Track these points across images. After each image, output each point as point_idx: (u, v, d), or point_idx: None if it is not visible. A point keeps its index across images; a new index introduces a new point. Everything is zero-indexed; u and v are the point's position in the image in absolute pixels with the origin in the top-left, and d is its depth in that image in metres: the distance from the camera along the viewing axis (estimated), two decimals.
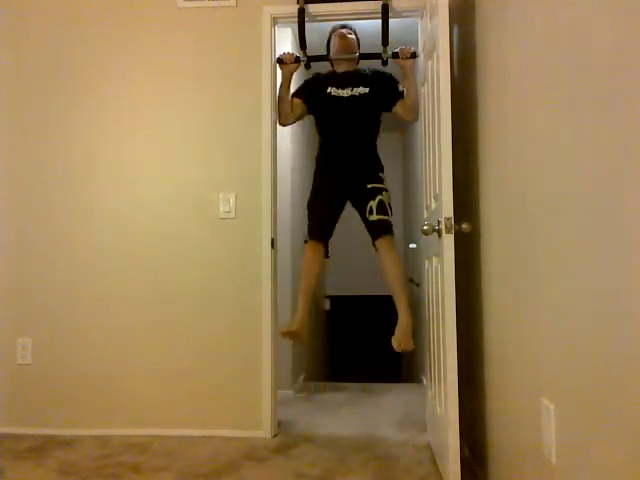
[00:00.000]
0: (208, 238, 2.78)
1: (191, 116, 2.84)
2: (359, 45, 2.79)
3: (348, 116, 2.62)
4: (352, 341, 7.12)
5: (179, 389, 2.74)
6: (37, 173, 2.87)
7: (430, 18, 2.32)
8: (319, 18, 2.82)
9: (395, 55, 2.66)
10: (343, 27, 2.77)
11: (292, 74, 2.75)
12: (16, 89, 2.91)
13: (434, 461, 2.27)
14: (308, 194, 2.74)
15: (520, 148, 1.55)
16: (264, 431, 2.67)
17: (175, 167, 2.82)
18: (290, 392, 3.46)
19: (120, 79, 2.87)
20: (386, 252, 2.51)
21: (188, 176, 2.81)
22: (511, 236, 1.65)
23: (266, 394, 2.69)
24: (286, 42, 3.52)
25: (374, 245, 2.55)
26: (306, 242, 2.63)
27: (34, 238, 2.84)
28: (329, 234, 2.64)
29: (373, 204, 2.51)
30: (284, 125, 2.86)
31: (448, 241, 1.94)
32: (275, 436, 2.68)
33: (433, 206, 2.29)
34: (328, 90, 2.65)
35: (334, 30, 2.79)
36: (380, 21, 2.68)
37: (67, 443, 2.59)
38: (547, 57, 1.32)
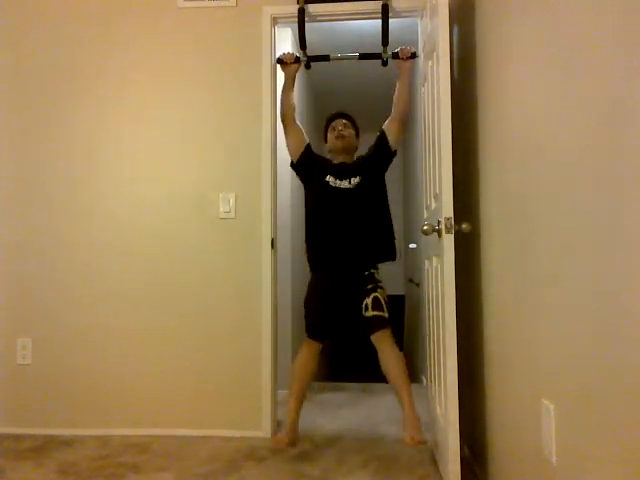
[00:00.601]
0: (208, 238, 2.78)
1: (191, 116, 2.84)
2: (358, 134, 2.73)
3: (345, 209, 2.51)
4: (352, 341, 7.10)
5: (179, 389, 2.74)
6: (37, 173, 2.87)
7: (430, 18, 2.32)
8: (319, 18, 2.82)
9: (395, 55, 2.66)
10: (340, 116, 2.70)
11: (295, 74, 2.74)
12: (16, 89, 2.91)
13: (434, 461, 2.27)
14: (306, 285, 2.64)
15: (520, 148, 1.55)
16: (264, 431, 2.68)
17: (175, 167, 2.82)
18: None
19: (120, 79, 2.87)
20: (384, 348, 2.40)
21: (188, 176, 2.81)
22: (511, 236, 1.65)
23: (266, 394, 2.69)
24: (286, 42, 3.52)
25: (369, 339, 2.44)
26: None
27: (34, 238, 2.84)
28: (329, 333, 2.54)
29: (368, 301, 2.44)
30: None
31: (448, 241, 1.94)
32: (275, 436, 2.68)
33: (433, 206, 2.29)
34: (327, 178, 2.55)
35: (330, 121, 2.72)
36: (380, 21, 2.68)
37: (67, 443, 2.59)
38: (547, 56, 1.32)
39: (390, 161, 2.66)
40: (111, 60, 2.88)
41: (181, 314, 2.77)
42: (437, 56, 2.05)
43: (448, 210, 1.94)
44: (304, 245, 2.67)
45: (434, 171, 2.20)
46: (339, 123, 2.69)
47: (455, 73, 2.35)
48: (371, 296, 2.45)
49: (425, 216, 2.59)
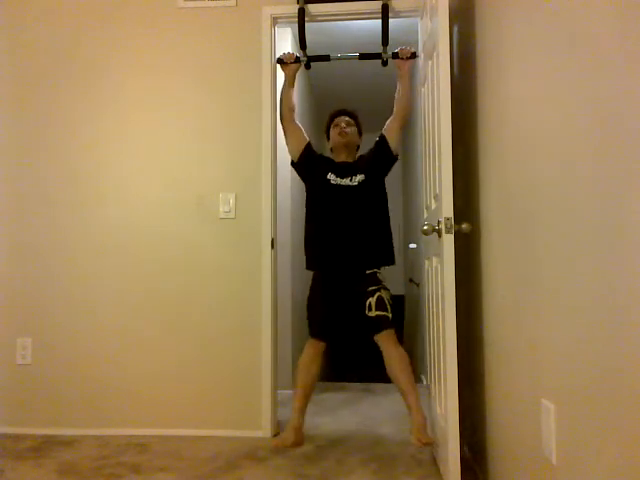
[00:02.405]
0: (208, 238, 2.78)
1: (191, 116, 2.84)
2: (361, 132, 2.72)
3: (347, 207, 2.51)
4: (353, 341, 7.10)
5: (179, 389, 2.74)
6: (37, 173, 2.87)
7: (430, 18, 2.32)
8: (319, 18, 2.82)
9: (395, 55, 2.66)
10: (343, 113, 2.69)
11: (295, 74, 2.74)
12: (15, 89, 2.91)
13: (434, 461, 2.27)
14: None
15: (520, 147, 1.54)
16: (264, 431, 2.68)
17: (175, 167, 2.82)
18: (290, 392, 3.45)
19: (120, 79, 2.87)
20: (389, 348, 2.39)
21: (188, 176, 2.81)
22: (511, 236, 1.65)
23: (266, 394, 2.69)
24: (286, 42, 3.53)
25: (373, 340, 2.43)
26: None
27: (34, 238, 2.84)
28: (332, 333, 2.52)
29: (372, 301, 2.42)
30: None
31: (448, 241, 1.94)
32: (275, 436, 2.68)
33: (433, 206, 2.29)
34: (328, 176, 2.55)
35: (333, 117, 2.70)
36: (380, 21, 2.68)
37: (67, 443, 2.59)
38: (547, 56, 1.32)
39: (391, 165, 2.65)
40: (111, 60, 2.88)
41: (181, 314, 2.77)
42: (437, 56, 2.05)
43: (448, 210, 1.94)
44: (302, 243, 2.66)
45: (434, 171, 2.20)
46: (342, 120, 2.68)
47: (455, 73, 2.35)
48: (375, 296, 2.44)
49: (425, 216, 2.59)
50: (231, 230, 2.77)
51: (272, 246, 2.74)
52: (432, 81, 2.23)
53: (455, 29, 2.47)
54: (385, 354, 2.41)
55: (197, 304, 2.77)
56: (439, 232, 2.00)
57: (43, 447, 2.54)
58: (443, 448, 2.01)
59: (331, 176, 2.56)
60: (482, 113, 2.03)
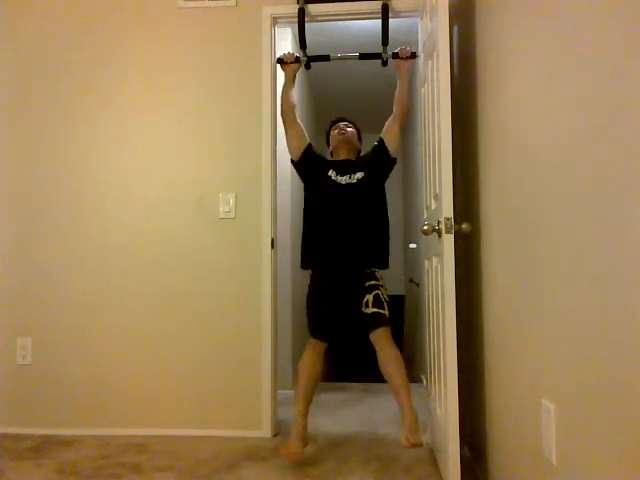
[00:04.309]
0: (208, 238, 2.78)
1: (191, 116, 2.84)
2: (360, 138, 2.74)
3: (347, 204, 2.50)
4: (352, 341, 7.10)
5: (179, 389, 2.74)
6: (37, 173, 2.87)
7: (430, 18, 2.32)
8: (319, 18, 2.82)
9: (395, 55, 2.66)
10: (341, 120, 2.73)
11: (295, 73, 2.74)
12: (15, 89, 2.91)
13: (434, 461, 2.27)
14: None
15: (520, 147, 1.55)
16: (264, 431, 2.67)
17: (175, 167, 2.82)
18: (290, 392, 3.45)
19: (120, 79, 2.87)
20: (383, 346, 2.37)
21: (188, 176, 2.81)
22: (511, 236, 1.65)
23: (266, 394, 2.69)
24: (286, 42, 3.53)
25: (368, 338, 2.41)
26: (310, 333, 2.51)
27: (34, 238, 2.84)
28: (332, 332, 2.50)
29: (369, 298, 2.41)
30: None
31: (448, 241, 1.94)
32: (275, 436, 2.68)
33: (433, 206, 2.29)
34: (329, 173, 2.55)
35: (333, 123, 2.74)
36: (380, 21, 2.68)
37: (67, 443, 2.59)
38: (547, 56, 1.32)
39: (390, 168, 2.63)
40: (111, 60, 2.88)
41: (181, 314, 2.77)
42: (437, 56, 2.05)
43: (448, 210, 1.94)
44: (300, 241, 2.65)
45: (434, 171, 2.20)
46: (341, 123, 2.71)
47: (455, 73, 2.35)
48: (372, 293, 2.43)
49: (425, 216, 2.59)
50: (231, 230, 2.77)
51: (272, 246, 2.74)
52: (432, 81, 2.23)
53: (455, 29, 2.47)
54: (379, 352, 2.38)
55: (197, 304, 2.77)
56: (439, 232, 2.00)
57: (43, 447, 2.54)
58: (443, 448, 2.01)
59: (332, 173, 2.55)
60: (482, 113, 2.04)
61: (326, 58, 2.80)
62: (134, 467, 2.27)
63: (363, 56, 2.81)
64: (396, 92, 2.64)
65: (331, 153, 2.75)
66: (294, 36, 3.40)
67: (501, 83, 1.77)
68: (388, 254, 2.58)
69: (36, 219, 2.85)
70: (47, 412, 2.77)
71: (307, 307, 2.58)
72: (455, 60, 2.44)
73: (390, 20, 2.68)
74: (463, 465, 1.88)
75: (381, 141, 2.62)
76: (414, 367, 4.50)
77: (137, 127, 2.85)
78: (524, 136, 1.51)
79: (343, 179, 2.54)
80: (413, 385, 2.46)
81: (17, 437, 2.67)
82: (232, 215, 2.77)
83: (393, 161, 2.64)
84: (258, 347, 2.71)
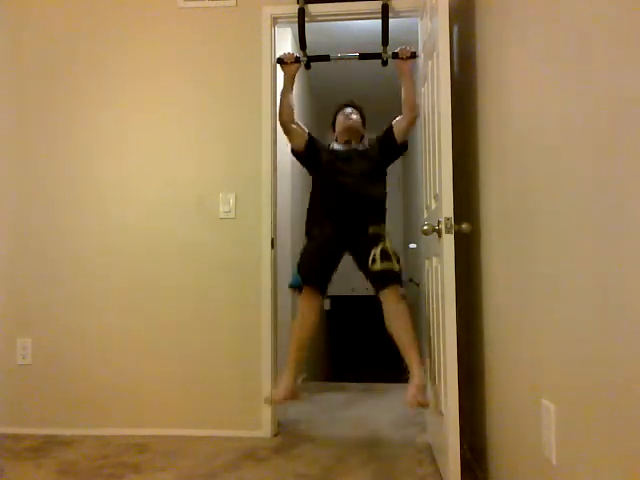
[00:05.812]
0: (208, 238, 2.78)
1: (191, 116, 2.84)
2: (364, 123, 2.77)
3: (350, 167, 2.57)
4: (352, 341, 7.11)
5: (179, 389, 2.74)
6: (37, 173, 2.87)
7: (430, 18, 2.32)
8: (319, 18, 2.82)
9: (395, 55, 2.66)
10: (348, 105, 2.75)
11: (295, 74, 2.73)
12: (16, 89, 2.91)
13: (434, 461, 2.27)
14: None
15: (520, 147, 1.55)
16: (264, 431, 2.67)
17: (175, 167, 2.82)
18: None
19: (119, 78, 2.87)
20: (393, 304, 2.31)
21: (188, 176, 2.81)
22: (511, 236, 1.65)
23: (266, 394, 2.69)
24: (286, 42, 3.52)
25: (377, 296, 2.35)
26: (291, 287, 2.49)
27: (34, 238, 2.84)
28: (325, 280, 2.48)
29: (376, 252, 2.32)
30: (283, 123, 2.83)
31: (448, 241, 1.94)
32: (275, 436, 2.68)
33: (433, 206, 2.29)
34: (331, 146, 2.68)
35: (339, 108, 2.77)
36: (380, 21, 2.68)
37: (67, 443, 2.59)
38: (547, 55, 1.32)
39: (396, 153, 2.67)
40: (111, 60, 2.88)
41: (181, 314, 2.77)
42: (437, 56, 2.05)
43: (448, 210, 1.94)
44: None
45: (434, 171, 2.20)
46: (347, 109, 2.74)
47: (455, 73, 2.35)
48: (379, 246, 2.37)
49: (425, 216, 2.59)
50: (231, 230, 2.77)
51: (272, 246, 2.75)
52: (432, 81, 2.23)
53: (455, 29, 2.47)
54: (385, 309, 2.31)
55: (197, 304, 2.77)
56: (439, 232, 2.00)
57: (43, 447, 2.54)
58: (443, 448, 2.01)
59: (337, 146, 2.67)
60: (482, 113, 2.04)
61: (326, 58, 2.80)
62: (134, 467, 2.27)
63: (363, 56, 2.81)
64: (402, 94, 2.64)
65: (336, 138, 2.77)
66: (294, 36, 3.40)
67: (501, 83, 1.77)
68: (385, 214, 2.60)
69: (36, 219, 2.85)
70: (47, 412, 2.77)
71: (300, 257, 2.57)
72: (455, 60, 2.44)
73: (390, 20, 2.68)
74: (463, 465, 1.88)
75: (390, 127, 2.66)
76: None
77: (137, 127, 2.85)
78: (524, 136, 1.51)
79: (350, 150, 2.62)
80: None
81: (17, 437, 2.67)
82: (232, 215, 2.77)
83: (400, 146, 2.65)
84: (258, 347, 2.71)
